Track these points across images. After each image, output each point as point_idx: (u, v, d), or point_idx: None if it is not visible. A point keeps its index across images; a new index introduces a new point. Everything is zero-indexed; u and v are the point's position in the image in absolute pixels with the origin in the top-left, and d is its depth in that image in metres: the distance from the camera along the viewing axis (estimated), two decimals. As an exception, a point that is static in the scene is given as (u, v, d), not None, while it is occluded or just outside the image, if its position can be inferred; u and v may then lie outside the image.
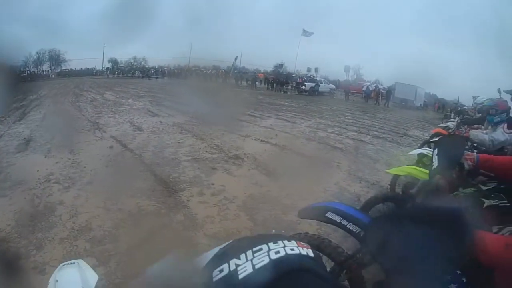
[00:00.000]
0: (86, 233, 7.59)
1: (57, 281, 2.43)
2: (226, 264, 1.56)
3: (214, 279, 1.53)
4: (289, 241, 1.62)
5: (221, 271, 1.54)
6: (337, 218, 3.36)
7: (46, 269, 6.42)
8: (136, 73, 46.73)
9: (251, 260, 1.51)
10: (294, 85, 37.49)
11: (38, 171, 11.57)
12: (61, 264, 2.63)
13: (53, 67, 37.65)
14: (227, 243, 1.78)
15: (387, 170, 8.23)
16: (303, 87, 36.25)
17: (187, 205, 8.59)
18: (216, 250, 1.76)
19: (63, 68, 38.11)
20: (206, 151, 12.90)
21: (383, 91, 36.16)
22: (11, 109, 24.82)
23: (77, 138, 15.69)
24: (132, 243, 7.02)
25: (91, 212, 8.48)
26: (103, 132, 16.47)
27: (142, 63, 47.02)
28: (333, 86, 37.04)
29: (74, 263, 2.55)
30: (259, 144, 13.71)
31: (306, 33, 40.26)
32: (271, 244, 1.57)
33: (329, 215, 3.39)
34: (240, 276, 1.47)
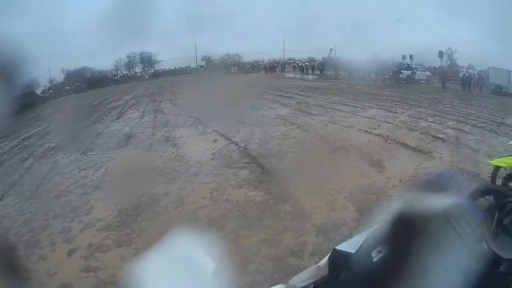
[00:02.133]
0: (192, 223, 7.74)
1: None
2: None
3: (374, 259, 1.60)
4: None
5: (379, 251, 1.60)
6: None
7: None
8: (232, 69, 47.29)
9: None
10: (391, 74, 36.56)
11: (139, 165, 12.09)
12: None
13: (146, 68, 38.85)
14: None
15: (489, 161, 8.04)
16: (400, 76, 35.31)
17: (295, 195, 8.52)
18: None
19: (156, 68, 39.19)
20: (312, 143, 12.72)
21: (476, 76, 34.38)
22: (108, 109, 25.84)
23: (179, 133, 16.14)
24: (240, 233, 7.13)
25: (197, 202, 8.64)
26: (206, 127, 16.68)
27: (237, 59, 47.67)
28: (429, 73, 35.54)
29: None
30: (363, 135, 13.38)
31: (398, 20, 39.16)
32: None
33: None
34: None
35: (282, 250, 6.56)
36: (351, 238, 1.86)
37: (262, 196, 8.62)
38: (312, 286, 2.04)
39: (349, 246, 1.85)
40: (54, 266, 7.04)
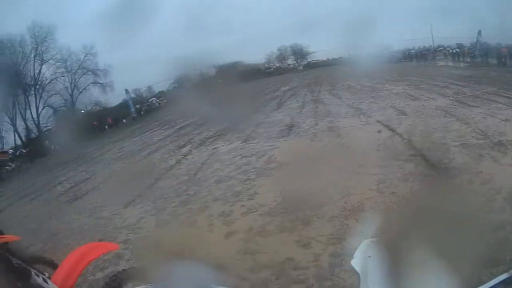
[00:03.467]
0: (357, 213, 7.79)
1: (369, 256, 2.53)
2: None
3: None
4: None
5: None
6: None
7: (310, 243, 6.90)
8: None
9: None
10: None
11: (302, 154, 12.23)
12: (367, 240, 2.79)
13: (298, 60, 39.45)
14: None
15: None
16: None
17: (457, 192, 8.24)
18: None
19: (308, 60, 39.66)
20: (472, 136, 12.20)
21: None
22: (266, 100, 26.47)
23: (342, 123, 16.27)
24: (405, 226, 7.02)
25: (364, 193, 8.66)
26: (368, 117, 16.72)
27: (388, 48, 47.27)
28: None
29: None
30: None
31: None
32: None
33: None
34: None
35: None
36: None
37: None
38: None
39: None
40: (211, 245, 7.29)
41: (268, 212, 8.67)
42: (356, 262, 2.58)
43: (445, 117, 14.93)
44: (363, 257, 2.56)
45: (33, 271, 3.94)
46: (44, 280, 4.05)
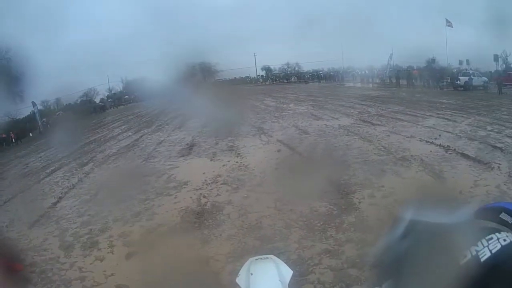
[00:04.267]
0: (256, 231, 7.72)
1: (251, 274, 2.46)
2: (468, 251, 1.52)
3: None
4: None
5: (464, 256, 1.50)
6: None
7: (210, 263, 6.76)
8: (292, 78, 47.57)
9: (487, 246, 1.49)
10: (449, 80, 35.73)
11: (204, 173, 12.13)
12: (252, 258, 2.59)
13: (206, 78, 39.65)
14: None
15: None
16: (458, 82, 34.48)
17: (358, 207, 8.44)
18: None
19: (216, 78, 39.93)
20: (374, 153, 12.57)
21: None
22: (169, 118, 26.44)
23: (243, 143, 16.32)
24: (304, 243, 6.98)
25: (261, 212, 8.60)
26: (269, 137, 16.90)
27: (296, 69, 48.27)
28: (485, 78, 34.49)
29: (267, 257, 2.58)
30: (424, 145, 13.13)
31: (448, 23, 38.25)
32: (498, 234, 1.54)
33: (503, 216, 2.99)
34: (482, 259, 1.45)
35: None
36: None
37: (326, 207, 8.51)
38: None
39: None
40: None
41: (168, 232, 8.56)
42: (240, 280, 2.48)
43: (347, 135, 15.23)
44: (246, 274, 2.46)
45: None
46: None
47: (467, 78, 33.29)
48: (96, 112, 38.20)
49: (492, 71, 35.99)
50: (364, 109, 21.61)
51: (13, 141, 31.22)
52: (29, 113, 34.03)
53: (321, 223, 7.67)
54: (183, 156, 15.35)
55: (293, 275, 2.38)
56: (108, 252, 8.16)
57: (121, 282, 6.62)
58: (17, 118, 33.96)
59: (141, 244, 8.17)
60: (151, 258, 7.33)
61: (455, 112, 19.85)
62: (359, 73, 39.05)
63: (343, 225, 7.51)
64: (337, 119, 19.28)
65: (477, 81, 33.43)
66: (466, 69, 35.54)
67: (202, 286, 6.07)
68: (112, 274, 7.07)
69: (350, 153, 12.77)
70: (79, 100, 38.45)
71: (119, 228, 9.23)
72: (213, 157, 14.51)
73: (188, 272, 6.31)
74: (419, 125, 16.01)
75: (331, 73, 42.29)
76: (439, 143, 13.15)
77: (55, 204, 12.16)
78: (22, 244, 9.40)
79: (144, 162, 15.62)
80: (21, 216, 11.65)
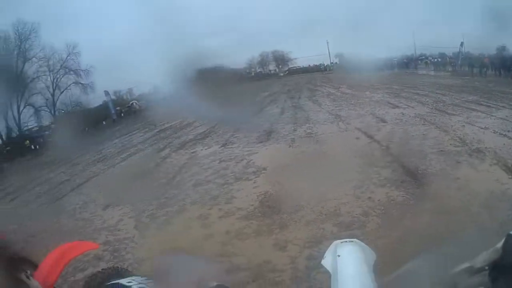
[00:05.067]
0: (334, 218, 7.79)
1: (338, 256, 2.61)
2: None
3: None
4: None
5: None
6: None
7: (287, 247, 6.92)
8: (365, 66, 46.99)
9: None
10: None
11: (283, 159, 12.47)
12: (337, 241, 2.81)
13: (279, 66, 39.48)
14: None
15: None
16: None
17: (434, 198, 8.25)
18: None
19: (290, 66, 39.70)
20: (450, 144, 12.31)
21: None
22: (246, 105, 26.58)
23: (321, 130, 16.38)
24: (381, 231, 7.04)
25: (339, 199, 8.64)
26: (347, 124, 16.86)
27: (369, 56, 47.63)
28: None
29: (352, 241, 2.71)
30: (499, 138, 12.64)
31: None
32: None
33: None
34: None
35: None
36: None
37: (402, 196, 8.52)
38: (487, 267, 2.21)
39: None
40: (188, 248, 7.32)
41: (246, 216, 8.67)
42: (326, 262, 2.67)
43: (423, 125, 15.03)
44: (333, 257, 2.64)
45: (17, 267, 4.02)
46: (27, 277, 4.11)
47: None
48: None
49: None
50: (439, 98, 21.14)
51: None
52: (101, 103, 35.18)
53: (398, 212, 7.70)
54: (262, 142, 15.58)
55: (376, 258, 2.52)
56: (184, 234, 8.37)
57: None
58: (90, 107, 35.04)
59: (218, 227, 8.36)
60: (228, 241, 7.66)
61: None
62: (432, 60, 38.01)
63: (419, 216, 7.39)
64: (413, 107, 19.08)
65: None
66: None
67: (279, 272, 6.18)
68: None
69: (426, 142, 12.63)
70: (153, 90, 39.21)
71: (197, 210, 9.52)
72: (292, 143, 14.68)
73: (266, 255, 6.66)
74: (492, 116, 15.66)
75: (404, 60, 41.40)
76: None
77: (130, 187, 12.53)
78: (95, 224, 10.00)
79: (222, 148, 15.95)
80: (95, 199, 12.23)
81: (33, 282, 4.12)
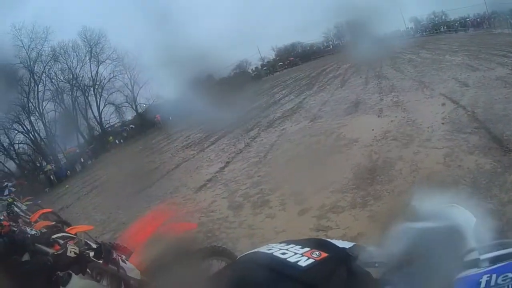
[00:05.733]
0: (426, 187, 7.68)
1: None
2: None
3: None
4: None
5: None
6: None
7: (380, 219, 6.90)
8: (442, 28, 45.79)
9: None
10: None
11: (373, 129, 12.69)
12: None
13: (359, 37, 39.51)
14: None
15: None
16: None
17: None
18: None
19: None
20: None
21: None
22: (329, 78, 26.57)
23: (407, 98, 16.57)
24: (470, 202, 6.95)
25: (431, 167, 8.87)
26: (431, 90, 16.88)
27: (443, 17, 46.26)
28: None
29: (452, 206, 2.50)
30: None
31: None
32: None
33: None
34: None
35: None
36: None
37: (490, 164, 8.42)
38: None
39: None
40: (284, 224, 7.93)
41: (340, 189, 8.89)
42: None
43: (505, 87, 14.73)
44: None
45: (114, 252, 4.49)
46: (123, 261, 4.61)
47: None
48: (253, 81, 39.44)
49: None
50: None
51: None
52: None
53: (486, 181, 7.59)
54: (350, 114, 15.99)
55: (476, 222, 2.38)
56: (279, 210, 8.82)
57: (293, 237, 6.86)
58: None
59: (313, 202, 8.52)
60: (324, 213, 7.94)
61: None
62: (506, 18, 36.68)
63: (506, 185, 7.29)
64: (493, 69, 18.80)
65: None
66: None
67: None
68: (283, 231, 7.54)
69: (510, 106, 12.25)
70: (233, 73, 39.80)
71: (290, 187, 9.72)
72: (380, 113, 14.95)
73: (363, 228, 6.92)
74: None
75: (478, 19, 40.22)
76: None
77: (222, 168, 13.34)
78: (188, 207, 10.66)
79: (311, 123, 16.44)
80: (186, 183, 13.07)
81: (129, 265, 4.69)
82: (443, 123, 11.77)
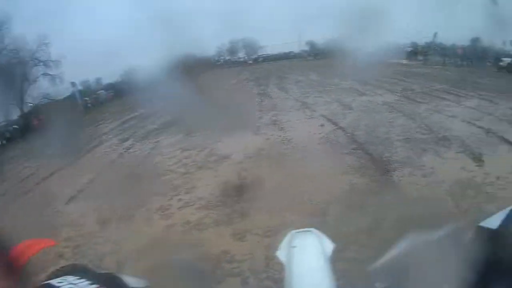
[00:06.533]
0: (296, 206, 7.58)
1: (294, 246, 2.47)
2: None
3: None
4: None
5: None
6: None
7: (246, 237, 6.89)
8: (337, 54, 47.36)
9: None
10: (492, 61, 34.03)
11: (246, 147, 12.29)
12: (293, 231, 2.63)
13: (249, 54, 39.67)
14: None
15: None
16: (501, 64, 32.79)
17: (398, 185, 8.44)
18: None
19: (259, 54, 39.89)
20: (417, 131, 12.41)
21: None
22: (214, 93, 26.42)
23: (287, 117, 16.32)
24: (344, 219, 6.87)
25: (303, 186, 8.52)
26: (313, 111, 16.83)
27: (340, 44, 48.12)
28: None
29: (308, 231, 2.58)
30: (466, 127, 12.73)
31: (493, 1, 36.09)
32: None
33: None
34: None
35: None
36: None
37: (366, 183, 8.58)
38: None
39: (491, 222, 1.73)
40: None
41: (206, 206, 8.62)
42: (281, 253, 2.53)
43: (390, 112, 15.12)
44: (288, 247, 2.51)
45: None
46: None
47: (510, 59, 31.77)
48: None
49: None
50: (408, 86, 21.23)
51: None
52: (69, 94, 34.53)
53: (361, 199, 7.60)
54: (225, 130, 15.27)
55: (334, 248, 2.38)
56: (145, 226, 8.26)
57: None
58: (57, 99, 34.54)
59: (180, 216, 8.33)
60: (188, 231, 7.69)
61: (498, 95, 19.36)
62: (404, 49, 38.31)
63: (383, 202, 7.27)
64: (380, 95, 19.20)
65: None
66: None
67: (237, 262, 6.13)
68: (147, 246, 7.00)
69: (392, 130, 12.63)
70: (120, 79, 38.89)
71: (157, 201, 9.29)
72: (257, 131, 14.55)
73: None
74: (461, 105, 15.73)
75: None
76: (480, 125, 12.72)
77: (93, 180, 12.42)
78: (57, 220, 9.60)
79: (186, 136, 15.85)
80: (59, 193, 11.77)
81: None
82: (319, 143, 11.78)
